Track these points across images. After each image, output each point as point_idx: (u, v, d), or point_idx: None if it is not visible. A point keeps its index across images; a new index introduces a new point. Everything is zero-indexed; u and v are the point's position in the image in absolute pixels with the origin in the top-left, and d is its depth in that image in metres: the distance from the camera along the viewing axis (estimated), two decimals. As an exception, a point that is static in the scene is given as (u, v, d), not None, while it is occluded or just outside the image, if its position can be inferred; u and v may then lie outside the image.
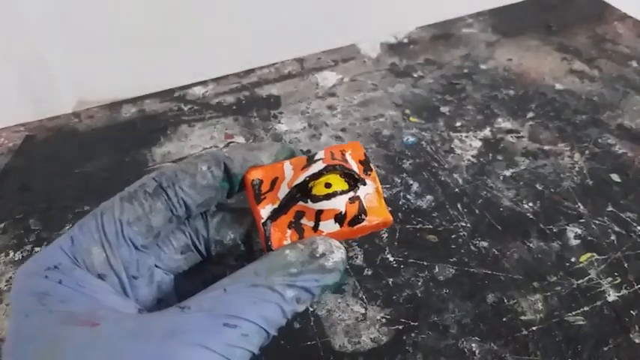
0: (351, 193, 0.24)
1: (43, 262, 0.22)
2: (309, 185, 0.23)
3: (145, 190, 0.23)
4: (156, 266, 0.24)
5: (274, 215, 0.24)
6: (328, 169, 0.23)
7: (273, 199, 0.24)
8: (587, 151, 0.52)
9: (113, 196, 0.23)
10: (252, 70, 0.64)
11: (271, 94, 0.60)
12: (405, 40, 0.68)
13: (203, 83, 0.62)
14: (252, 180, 0.24)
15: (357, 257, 0.42)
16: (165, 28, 0.62)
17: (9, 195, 0.49)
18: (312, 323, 0.38)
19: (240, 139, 0.54)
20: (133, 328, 0.20)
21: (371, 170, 0.25)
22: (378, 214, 0.24)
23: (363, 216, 0.24)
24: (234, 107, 0.59)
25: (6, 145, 0.55)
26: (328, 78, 0.62)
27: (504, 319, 0.38)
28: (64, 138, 0.55)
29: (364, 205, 0.24)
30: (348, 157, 0.25)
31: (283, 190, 0.24)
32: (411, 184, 0.49)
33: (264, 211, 0.24)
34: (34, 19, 0.57)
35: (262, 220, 0.24)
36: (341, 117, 0.57)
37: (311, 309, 0.39)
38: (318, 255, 0.22)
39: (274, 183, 0.24)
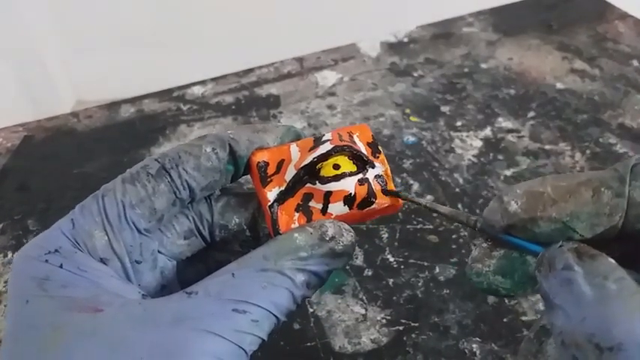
0: (360, 175, 0.23)
1: (43, 245, 0.21)
2: (317, 166, 0.23)
3: (147, 172, 0.22)
4: (159, 252, 0.24)
5: (281, 198, 0.23)
6: (336, 150, 0.23)
7: (280, 182, 0.23)
8: (588, 151, 0.52)
9: (115, 179, 0.23)
10: (251, 70, 0.63)
11: (271, 93, 0.60)
12: (405, 39, 0.68)
13: (202, 83, 0.62)
14: (258, 162, 0.24)
15: (357, 257, 0.42)
16: (163, 27, 0.62)
17: (7, 195, 0.49)
18: (312, 324, 0.38)
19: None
20: (139, 314, 0.19)
21: (379, 153, 0.25)
22: (388, 197, 0.23)
23: (373, 198, 0.23)
24: (234, 107, 0.59)
25: (4, 145, 0.55)
26: (328, 77, 0.62)
27: (505, 320, 0.38)
28: (62, 138, 0.55)
29: (373, 187, 0.23)
30: (355, 139, 0.25)
31: (290, 173, 0.23)
32: (412, 184, 0.49)
33: (271, 194, 0.23)
34: (33, 19, 0.57)
35: (269, 204, 0.23)
36: (341, 116, 0.57)
37: (311, 310, 0.39)
38: (327, 238, 0.21)
39: (280, 165, 0.24)
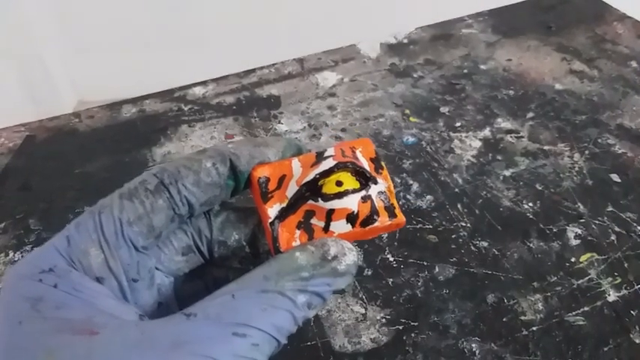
0: (363, 192, 0.22)
1: (37, 264, 0.20)
2: (320, 183, 0.22)
3: (145, 187, 0.22)
4: (156, 268, 0.23)
5: (282, 215, 0.23)
6: (339, 167, 0.22)
7: (281, 198, 0.23)
8: (586, 151, 0.52)
9: (112, 193, 0.22)
10: (252, 71, 0.64)
11: (271, 94, 0.60)
12: (405, 41, 0.68)
13: (203, 83, 0.62)
14: (259, 177, 0.23)
15: (357, 257, 0.42)
16: (165, 28, 0.62)
17: (9, 195, 0.49)
18: (312, 323, 0.38)
19: (241, 140, 0.54)
20: (136, 337, 0.18)
21: (382, 168, 0.24)
22: (391, 215, 0.23)
23: (376, 216, 0.22)
24: (235, 107, 0.59)
25: (6, 145, 0.55)
26: (328, 78, 0.62)
27: (504, 319, 0.38)
28: (64, 138, 0.55)
29: (376, 205, 0.23)
30: (358, 154, 0.24)
31: (292, 189, 0.23)
32: (411, 184, 0.49)
33: (272, 210, 0.23)
34: (35, 19, 0.57)
35: (270, 220, 0.22)
36: (341, 117, 0.57)
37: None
38: (330, 258, 0.21)
39: (282, 181, 0.23)
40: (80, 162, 0.52)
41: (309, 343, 0.37)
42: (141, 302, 0.22)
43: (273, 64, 0.64)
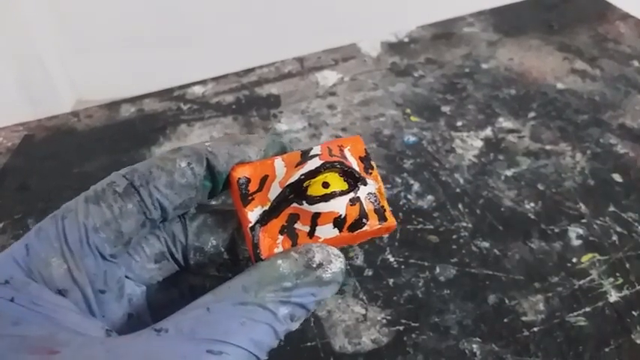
0: (352, 194, 0.21)
1: None
2: (304, 184, 0.21)
3: (114, 190, 0.20)
4: (126, 277, 0.22)
5: (264, 219, 0.21)
6: (326, 167, 0.21)
7: (263, 201, 0.21)
8: (588, 151, 0.52)
9: (77, 196, 0.20)
10: (251, 70, 0.63)
11: (271, 93, 0.60)
12: (406, 39, 0.68)
13: (202, 82, 0.62)
14: (239, 178, 0.22)
15: (357, 258, 0.42)
16: (164, 27, 0.62)
17: (8, 195, 0.49)
18: (312, 324, 0.38)
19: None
20: (100, 356, 0.17)
21: (372, 168, 0.23)
22: (381, 218, 0.21)
23: (365, 220, 0.21)
24: (234, 107, 0.58)
25: (5, 144, 0.54)
26: (328, 77, 0.62)
27: (505, 320, 0.38)
28: (62, 137, 0.55)
29: (365, 207, 0.21)
30: (347, 153, 0.23)
31: (274, 190, 0.21)
32: (412, 184, 0.49)
33: (252, 214, 0.21)
34: (33, 18, 0.57)
35: (250, 225, 0.21)
36: (341, 116, 0.57)
37: (311, 310, 0.39)
38: (314, 265, 0.19)
39: (264, 182, 0.22)
40: (79, 161, 0.52)
41: (309, 344, 0.37)
42: (109, 315, 0.21)
43: (273, 63, 0.64)
